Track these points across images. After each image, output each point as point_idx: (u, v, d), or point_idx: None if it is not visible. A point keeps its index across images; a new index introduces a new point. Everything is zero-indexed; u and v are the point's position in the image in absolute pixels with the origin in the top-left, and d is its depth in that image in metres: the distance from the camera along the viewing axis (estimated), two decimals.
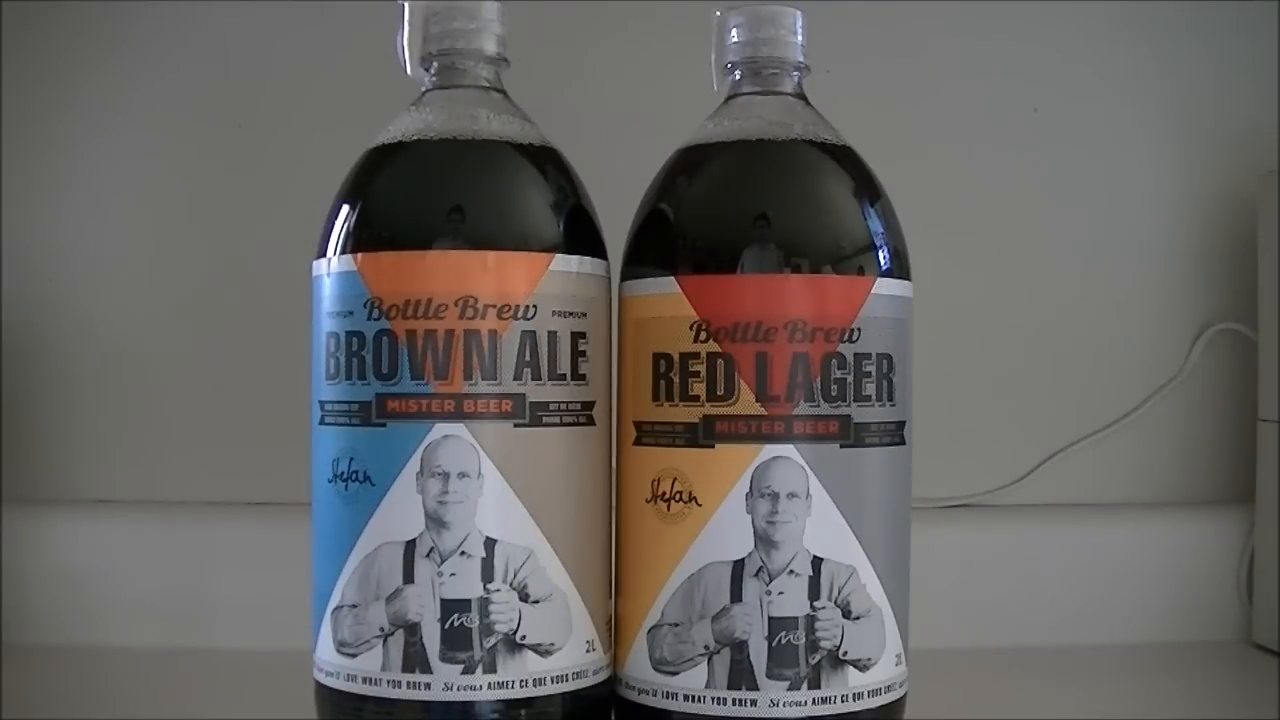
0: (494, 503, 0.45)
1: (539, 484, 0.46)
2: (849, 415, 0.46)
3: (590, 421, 0.48)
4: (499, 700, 0.46)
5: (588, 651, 0.48)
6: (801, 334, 0.46)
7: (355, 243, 0.47)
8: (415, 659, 0.45)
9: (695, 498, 0.46)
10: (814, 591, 0.46)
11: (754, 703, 0.46)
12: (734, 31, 0.49)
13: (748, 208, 0.47)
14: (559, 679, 0.47)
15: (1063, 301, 0.75)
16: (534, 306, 0.46)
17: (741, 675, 0.46)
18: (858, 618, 0.46)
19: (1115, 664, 0.68)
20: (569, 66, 0.71)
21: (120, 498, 0.73)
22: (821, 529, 0.46)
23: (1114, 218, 0.76)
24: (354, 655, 0.46)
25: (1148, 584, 0.72)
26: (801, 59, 0.50)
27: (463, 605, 0.45)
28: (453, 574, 0.45)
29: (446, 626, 0.45)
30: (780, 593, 0.46)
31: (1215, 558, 0.73)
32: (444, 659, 0.45)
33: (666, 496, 0.47)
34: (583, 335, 0.47)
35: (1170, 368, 0.75)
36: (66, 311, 0.73)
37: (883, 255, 0.48)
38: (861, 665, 0.47)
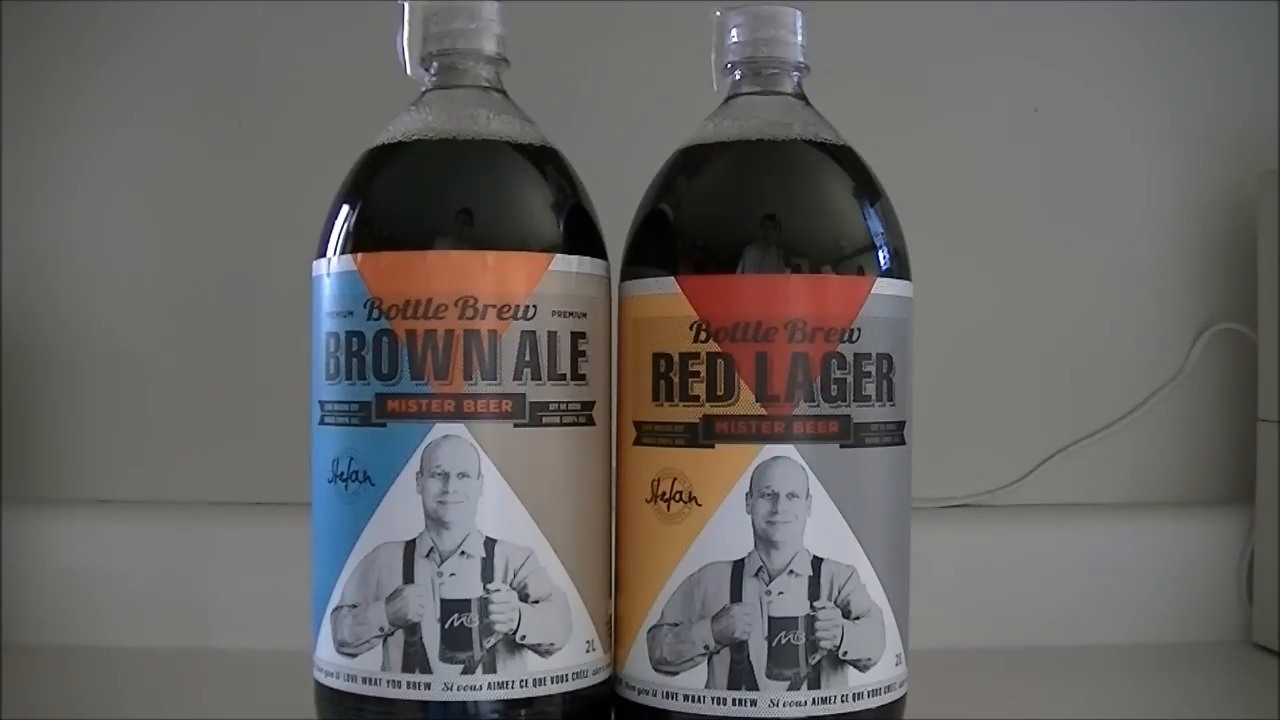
0: (494, 503, 0.45)
1: (539, 484, 0.46)
2: (849, 415, 0.46)
3: (590, 421, 0.48)
4: (499, 700, 0.46)
5: (588, 651, 0.48)
6: (801, 334, 0.46)
7: (355, 243, 0.47)
8: (415, 659, 0.45)
9: (695, 498, 0.46)
10: (814, 591, 0.46)
11: (754, 703, 0.46)
12: (734, 31, 0.49)
13: (748, 208, 0.47)
14: (559, 679, 0.47)
15: (1062, 301, 0.75)
16: (534, 306, 0.46)
17: (741, 675, 0.46)
18: (858, 618, 0.46)
19: (1115, 664, 0.68)
20: (569, 66, 0.71)
21: (120, 498, 0.73)
22: (821, 529, 0.46)
23: (1114, 218, 0.76)
24: (354, 655, 0.46)
25: (1148, 584, 0.72)
26: (801, 59, 0.50)
27: (463, 605, 0.45)
28: (453, 574, 0.45)
29: (446, 626, 0.45)
30: (780, 593, 0.46)
31: (1215, 558, 0.73)
32: (444, 659, 0.45)
33: (666, 496, 0.47)
34: (583, 335, 0.47)
35: (1170, 368, 0.75)
36: (67, 312, 0.73)
37: (883, 255, 0.48)
38: (861, 665, 0.47)
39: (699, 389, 0.46)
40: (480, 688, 0.45)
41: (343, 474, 0.46)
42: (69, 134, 0.73)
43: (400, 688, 0.45)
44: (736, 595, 0.46)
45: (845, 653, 0.46)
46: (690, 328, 0.46)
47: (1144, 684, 0.65)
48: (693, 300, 0.46)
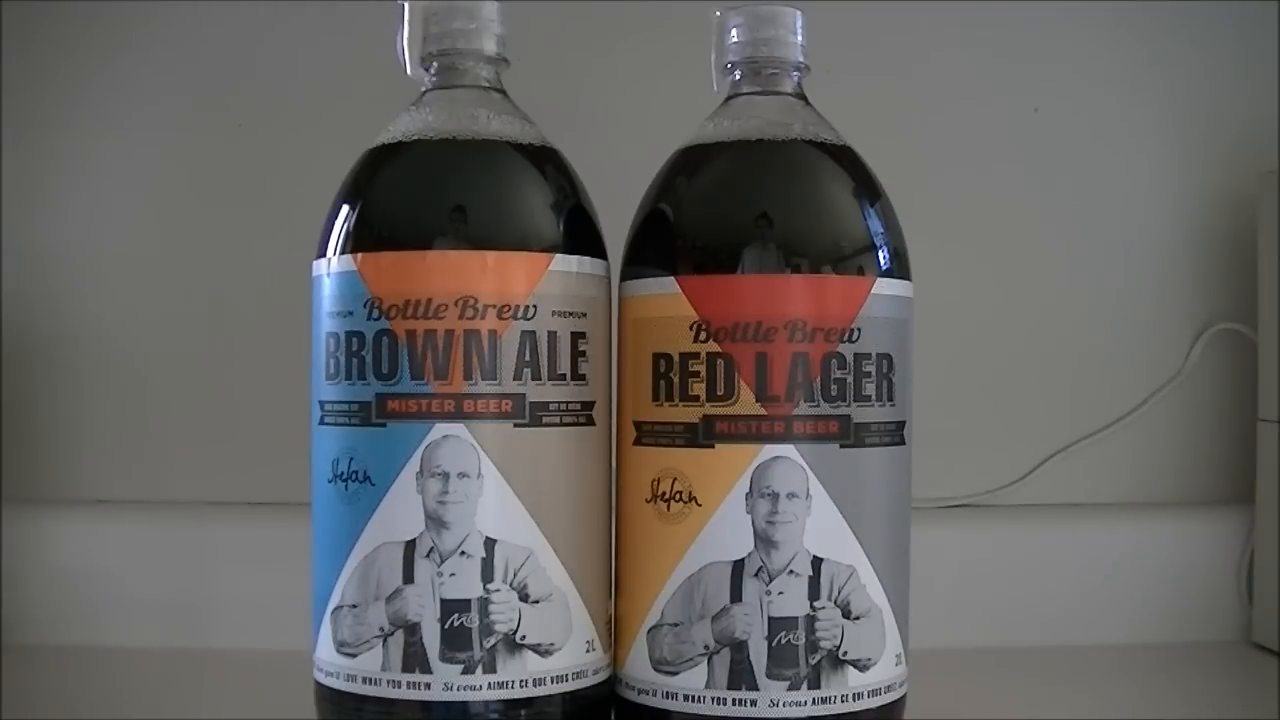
0: (494, 503, 0.45)
1: (539, 484, 0.46)
2: (849, 415, 0.46)
3: (590, 421, 0.48)
4: (499, 700, 0.46)
5: (588, 651, 0.48)
6: (801, 334, 0.46)
7: (355, 243, 0.47)
8: (415, 659, 0.45)
9: (695, 498, 0.46)
10: (814, 591, 0.46)
11: (754, 703, 0.46)
12: (734, 31, 0.49)
13: (748, 208, 0.47)
14: (559, 679, 0.47)
15: (1063, 301, 0.75)
16: (534, 306, 0.46)
17: (741, 675, 0.46)
18: (858, 618, 0.46)
19: (1115, 664, 0.68)
20: (569, 67, 0.71)
21: (120, 498, 0.73)
22: (821, 529, 0.46)
23: (1114, 218, 0.76)
24: (354, 655, 0.46)
25: (1148, 584, 0.72)
26: (801, 59, 0.50)
27: (463, 605, 0.45)
28: (452, 574, 0.45)
29: (446, 626, 0.45)
30: (780, 593, 0.46)
31: (1215, 558, 0.73)
32: (444, 659, 0.45)
33: (666, 496, 0.47)
34: (583, 335, 0.47)
35: (1170, 368, 0.75)
36: (67, 311, 0.73)
37: (883, 255, 0.48)
38: (861, 665, 0.47)
39: (699, 389, 0.46)
40: (480, 688, 0.45)
41: (343, 474, 0.46)
42: (69, 134, 0.73)
43: (400, 688, 0.45)
44: (736, 595, 0.46)
45: (845, 653, 0.46)
46: (690, 328, 0.46)
47: (1144, 684, 0.65)
48: (693, 300, 0.46)
